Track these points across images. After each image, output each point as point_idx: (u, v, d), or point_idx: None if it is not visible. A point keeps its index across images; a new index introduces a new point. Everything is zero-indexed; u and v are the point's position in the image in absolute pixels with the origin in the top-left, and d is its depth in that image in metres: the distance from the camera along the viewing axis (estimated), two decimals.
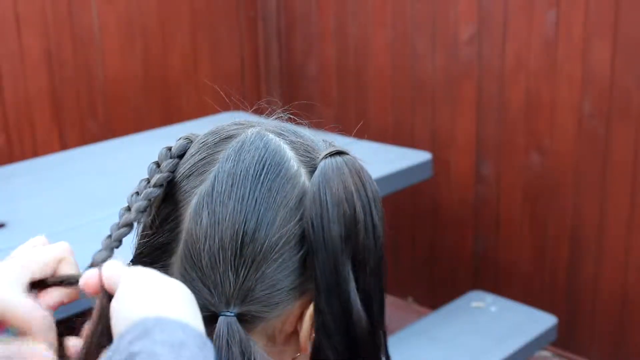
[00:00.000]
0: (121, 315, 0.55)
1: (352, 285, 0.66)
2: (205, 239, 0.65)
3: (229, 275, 0.64)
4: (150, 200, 0.67)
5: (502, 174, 2.89)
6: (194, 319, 0.56)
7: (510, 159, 2.85)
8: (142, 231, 0.70)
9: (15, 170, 2.54)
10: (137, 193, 0.68)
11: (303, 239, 0.65)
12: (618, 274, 2.66)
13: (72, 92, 3.00)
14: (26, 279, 0.61)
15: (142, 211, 0.67)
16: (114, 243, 0.65)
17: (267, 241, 0.64)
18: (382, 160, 2.49)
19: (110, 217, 2.34)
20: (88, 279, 0.60)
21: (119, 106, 3.14)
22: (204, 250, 0.65)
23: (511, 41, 2.75)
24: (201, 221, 0.65)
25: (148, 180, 0.69)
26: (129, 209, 0.67)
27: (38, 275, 0.62)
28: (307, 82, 3.47)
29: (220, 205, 0.65)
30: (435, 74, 2.99)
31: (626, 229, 2.61)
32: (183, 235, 0.67)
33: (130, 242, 0.71)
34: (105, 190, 2.31)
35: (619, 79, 2.52)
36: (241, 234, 0.64)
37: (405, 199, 3.10)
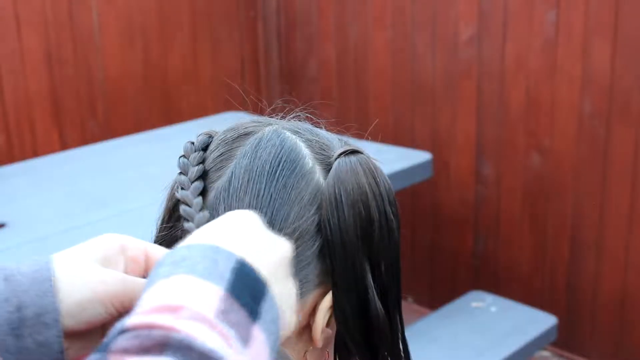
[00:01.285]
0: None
1: (370, 280, 0.68)
2: None
3: None
4: (200, 195, 0.67)
5: (502, 174, 2.89)
6: (227, 238, 0.53)
7: (510, 159, 2.85)
8: (160, 224, 0.71)
9: (15, 170, 2.54)
10: (182, 188, 0.68)
11: (316, 234, 0.66)
12: (618, 273, 2.66)
13: (72, 92, 3.00)
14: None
15: (203, 206, 0.67)
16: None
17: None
18: (382, 160, 2.49)
19: (110, 217, 2.33)
20: None
21: (119, 106, 3.14)
22: None
23: (511, 41, 2.75)
24: (217, 216, 0.65)
25: (184, 174, 0.69)
26: (187, 204, 0.67)
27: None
28: (307, 82, 3.47)
29: (236, 200, 0.66)
30: (435, 74, 2.99)
31: (626, 229, 2.61)
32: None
33: (148, 234, 0.71)
34: (105, 190, 2.31)
35: (619, 79, 2.51)
36: None
37: (405, 199, 3.10)
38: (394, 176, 2.43)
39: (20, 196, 2.28)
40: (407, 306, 3.26)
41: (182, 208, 0.67)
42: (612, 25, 2.50)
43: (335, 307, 0.67)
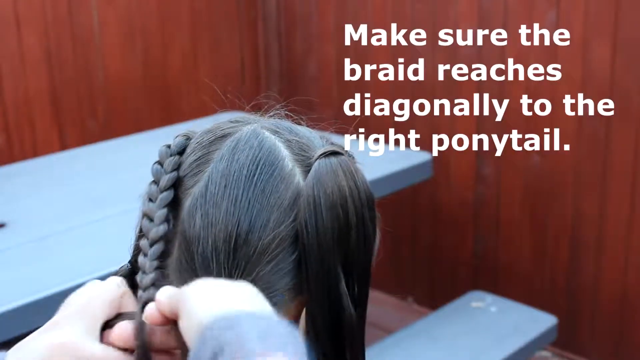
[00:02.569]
0: (195, 322, 0.54)
1: (343, 287, 0.66)
2: (199, 241, 0.64)
3: (222, 278, 0.63)
4: (168, 205, 0.66)
5: (502, 174, 2.89)
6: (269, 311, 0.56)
7: (510, 159, 2.84)
8: (139, 232, 0.69)
9: (15, 170, 2.54)
10: (150, 200, 0.67)
11: (297, 240, 0.64)
12: (618, 274, 2.66)
13: (72, 92, 3.00)
14: (98, 324, 0.60)
15: (166, 219, 0.65)
16: (153, 263, 0.63)
17: (260, 243, 0.63)
18: (382, 160, 2.49)
19: (110, 217, 2.33)
20: (151, 313, 0.59)
21: (119, 106, 3.14)
22: (197, 252, 0.64)
23: (511, 41, 2.75)
24: (195, 223, 0.64)
25: (155, 183, 0.68)
26: (149, 218, 0.66)
27: (106, 316, 0.61)
28: (307, 82, 3.47)
29: (213, 206, 0.64)
30: (435, 74, 2.98)
31: (626, 229, 2.61)
32: (178, 237, 0.66)
33: (128, 243, 0.71)
34: (105, 190, 2.31)
35: (619, 79, 2.51)
36: (234, 236, 0.63)
37: (405, 199, 3.10)
38: (394, 176, 2.43)
39: (20, 196, 2.28)
40: (407, 306, 3.25)
41: (143, 222, 0.65)
42: (612, 25, 2.50)
43: (307, 312, 0.65)
